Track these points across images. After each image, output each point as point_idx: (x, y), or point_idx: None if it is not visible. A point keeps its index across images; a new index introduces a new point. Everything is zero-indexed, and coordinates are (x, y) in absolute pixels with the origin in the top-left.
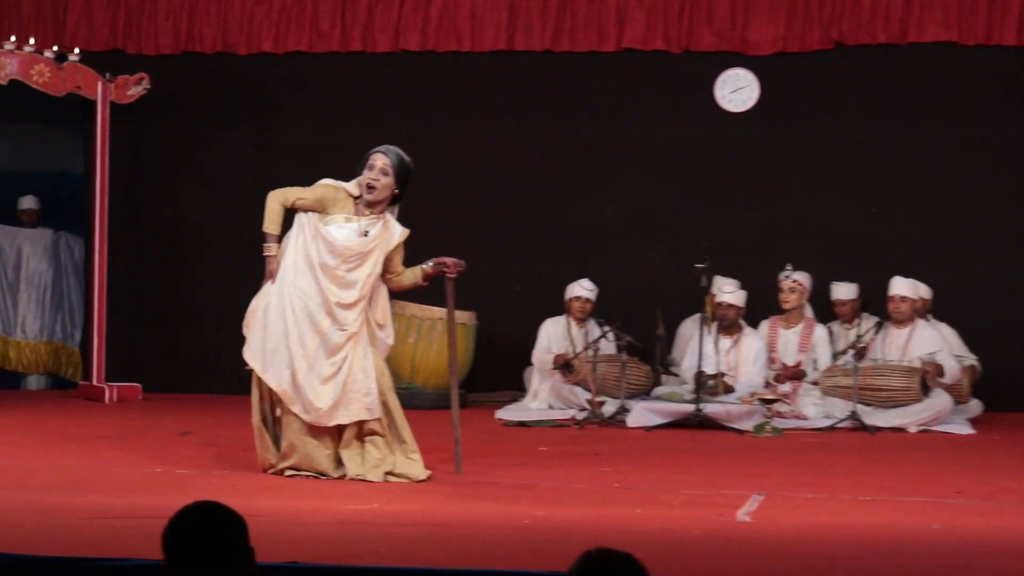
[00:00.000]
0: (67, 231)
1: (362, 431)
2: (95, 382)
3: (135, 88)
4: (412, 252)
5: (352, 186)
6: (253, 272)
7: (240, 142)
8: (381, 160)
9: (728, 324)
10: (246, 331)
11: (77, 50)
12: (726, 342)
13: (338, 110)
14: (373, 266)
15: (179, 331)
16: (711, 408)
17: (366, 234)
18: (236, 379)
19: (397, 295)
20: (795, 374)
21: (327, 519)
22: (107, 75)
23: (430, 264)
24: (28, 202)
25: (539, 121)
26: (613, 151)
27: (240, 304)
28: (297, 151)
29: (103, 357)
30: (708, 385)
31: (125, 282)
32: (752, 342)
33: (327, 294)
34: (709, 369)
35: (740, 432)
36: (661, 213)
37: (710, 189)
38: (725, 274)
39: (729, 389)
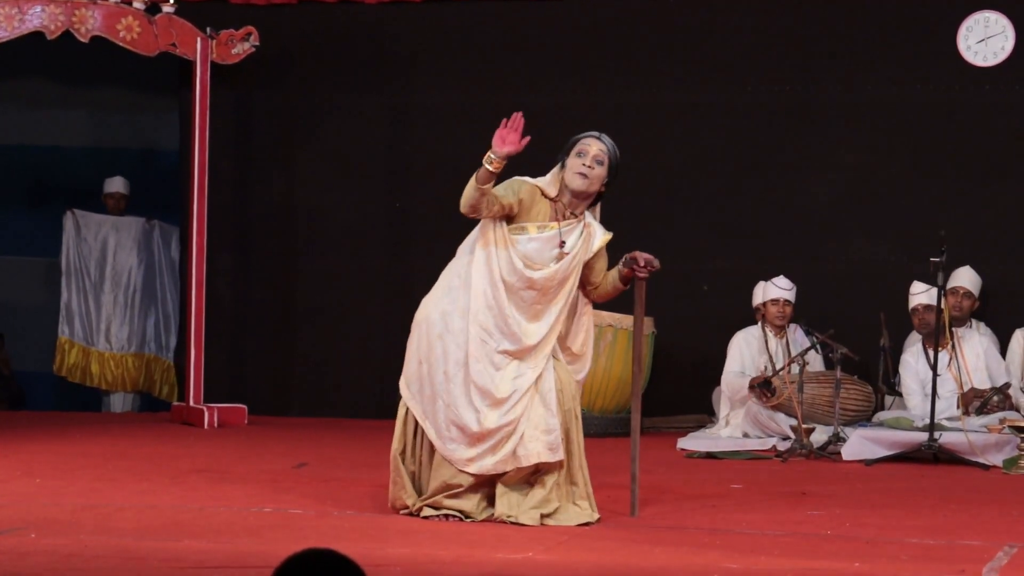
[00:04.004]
0: (161, 219)
1: (536, 470)
2: (192, 403)
3: (241, 45)
4: None
5: (548, 185)
6: (384, 270)
7: (368, 110)
8: (596, 146)
9: (927, 332)
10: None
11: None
12: (942, 355)
13: (488, 69)
14: (571, 288)
15: (293, 342)
16: (949, 438)
17: (563, 244)
18: (363, 400)
19: None
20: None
21: (471, 571)
22: (208, 30)
23: (622, 263)
24: (115, 185)
25: (730, 81)
26: (825, 117)
27: (370, 309)
28: (438, 120)
29: (201, 373)
30: (993, 401)
31: (228, 282)
32: (973, 343)
33: (521, 336)
34: (943, 396)
35: (986, 468)
36: (886, 195)
37: (950, 163)
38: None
39: (1008, 406)
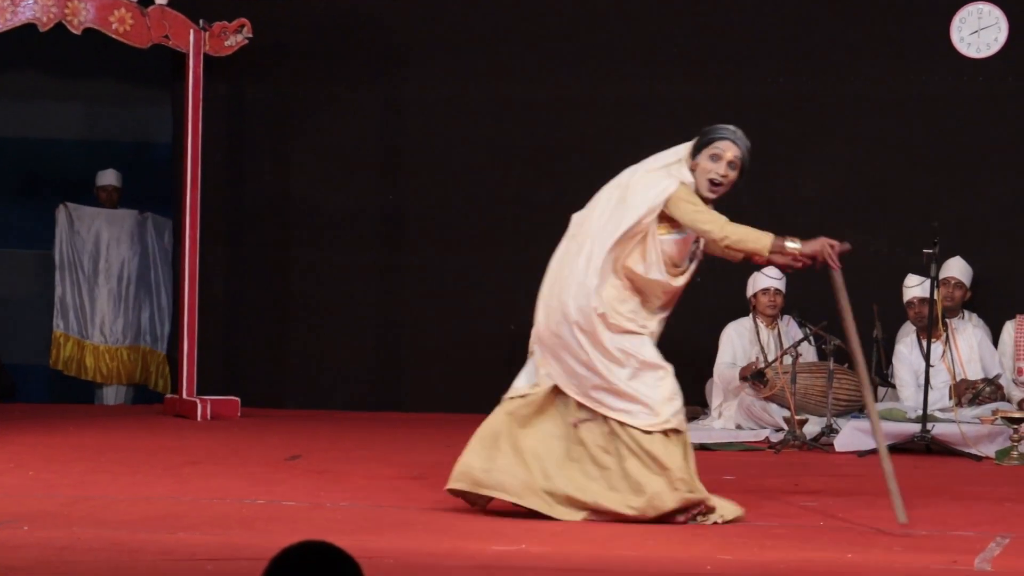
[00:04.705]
0: (154, 212)
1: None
2: (185, 395)
3: (234, 37)
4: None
5: (688, 174)
6: (378, 262)
7: (363, 102)
8: (732, 151)
9: (923, 325)
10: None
11: None
12: (936, 346)
13: (483, 62)
14: None
15: (287, 334)
16: (941, 429)
17: (698, 240)
18: (357, 392)
19: None
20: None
21: (465, 563)
22: (201, 22)
23: (795, 246)
24: (107, 177)
25: (723, 73)
26: (817, 109)
27: (364, 301)
28: (432, 113)
29: (195, 365)
30: (985, 393)
31: (222, 274)
32: (966, 335)
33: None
34: (936, 386)
35: (979, 459)
36: (879, 186)
37: (943, 155)
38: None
39: (1000, 397)
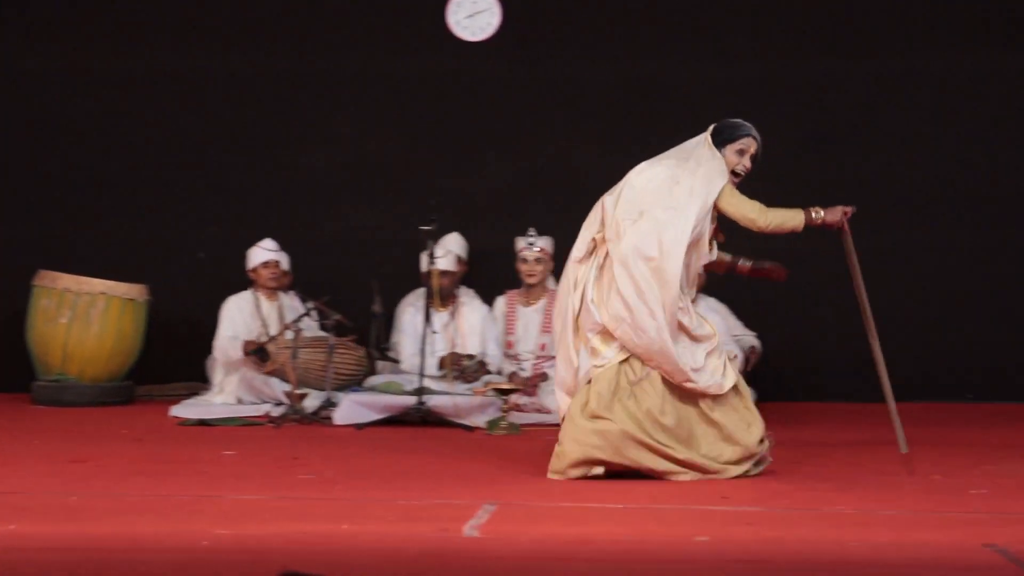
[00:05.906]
0: None
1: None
2: None
3: None
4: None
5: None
6: None
7: None
8: (754, 146)
9: (445, 294)
10: None
11: None
12: (442, 316)
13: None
14: None
15: None
16: (436, 401)
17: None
18: None
19: (56, 267)
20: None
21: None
22: None
23: (819, 215)
24: None
25: (228, 49)
26: (320, 86)
27: None
28: None
29: None
30: (469, 369)
31: None
32: (473, 309)
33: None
34: (436, 352)
35: (470, 429)
36: (378, 163)
37: (440, 134)
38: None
39: (483, 372)
